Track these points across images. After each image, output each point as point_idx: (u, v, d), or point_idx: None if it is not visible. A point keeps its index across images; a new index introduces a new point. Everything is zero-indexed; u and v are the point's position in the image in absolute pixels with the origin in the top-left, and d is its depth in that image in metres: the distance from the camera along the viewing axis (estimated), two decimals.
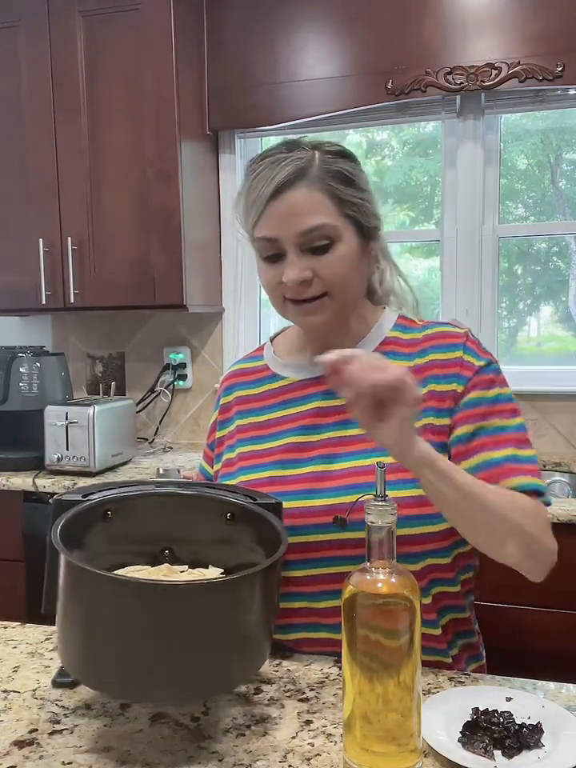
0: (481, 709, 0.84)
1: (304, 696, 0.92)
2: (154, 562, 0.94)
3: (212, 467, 1.20)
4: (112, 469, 2.24)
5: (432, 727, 0.80)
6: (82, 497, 0.90)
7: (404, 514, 0.92)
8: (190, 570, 0.92)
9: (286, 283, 1.02)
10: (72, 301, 2.36)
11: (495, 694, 0.89)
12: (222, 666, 0.78)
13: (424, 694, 0.89)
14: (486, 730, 0.80)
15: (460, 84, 2.20)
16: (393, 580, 0.74)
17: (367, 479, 0.91)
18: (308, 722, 0.86)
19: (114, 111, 2.31)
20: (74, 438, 2.15)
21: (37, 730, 0.85)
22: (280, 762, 0.78)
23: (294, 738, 0.83)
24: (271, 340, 1.23)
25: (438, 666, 1.02)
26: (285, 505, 1.02)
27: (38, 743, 0.82)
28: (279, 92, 2.38)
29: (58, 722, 0.87)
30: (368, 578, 0.75)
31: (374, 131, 2.60)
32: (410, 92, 2.24)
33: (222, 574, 0.91)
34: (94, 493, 0.92)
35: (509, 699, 0.88)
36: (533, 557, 0.98)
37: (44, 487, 2.09)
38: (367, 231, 1.06)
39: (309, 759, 0.79)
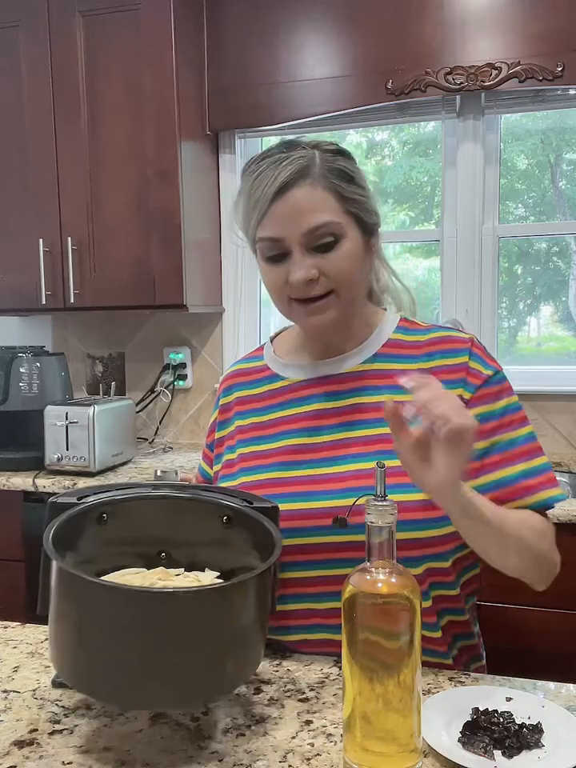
0: (481, 709, 0.84)
1: (304, 696, 0.92)
2: (151, 564, 0.93)
3: (211, 468, 1.20)
4: (112, 469, 2.24)
5: (432, 727, 0.80)
6: (78, 499, 0.89)
7: (409, 518, 0.92)
8: (185, 573, 0.91)
9: (292, 283, 1.02)
10: (72, 301, 2.36)
11: (495, 694, 0.89)
12: (214, 673, 0.77)
13: (424, 694, 0.89)
14: (486, 730, 0.80)
15: (460, 84, 2.20)
16: (393, 580, 0.74)
17: (369, 482, 0.91)
18: (308, 722, 0.86)
19: (114, 111, 2.31)
20: (74, 438, 2.15)
21: (37, 729, 0.85)
22: (280, 762, 0.78)
23: (293, 738, 0.83)
24: (271, 340, 1.22)
25: (438, 667, 1.02)
26: (286, 506, 1.01)
27: (38, 743, 0.82)
28: (279, 92, 2.38)
29: (58, 722, 0.87)
30: (368, 578, 0.75)
31: (374, 131, 2.60)
32: (409, 92, 2.24)
33: (217, 577, 0.90)
34: (89, 495, 0.91)
35: (509, 699, 0.88)
36: (537, 570, 1.01)
37: (44, 487, 2.09)
38: (369, 227, 1.06)
39: (309, 759, 0.79)
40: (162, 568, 0.91)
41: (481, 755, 0.77)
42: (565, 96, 2.25)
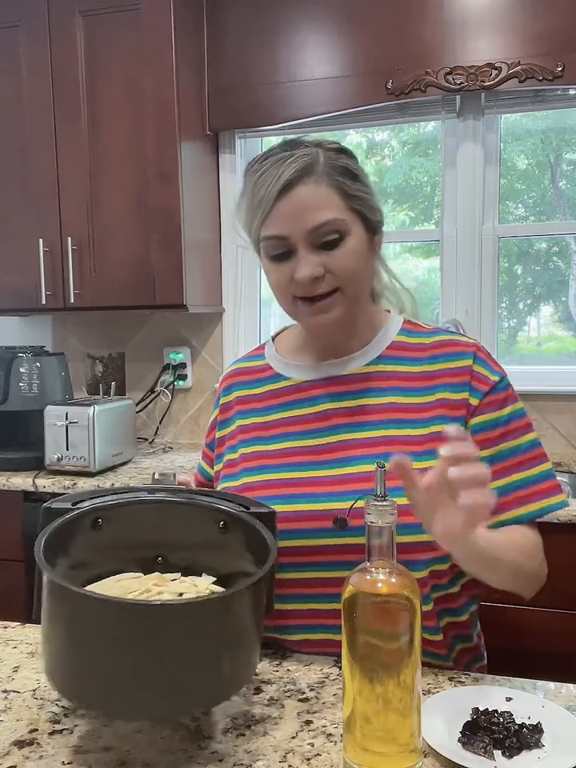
0: (481, 709, 0.84)
1: (304, 696, 0.92)
2: (147, 568, 0.92)
3: (212, 467, 1.20)
4: (112, 469, 2.24)
5: (432, 727, 0.80)
6: (72, 505, 0.88)
7: (412, 522, 0.92)
8: (181, 578, 0.91)
9: (297, 281, 1.01)
10: (72, 301, 2.36)
11: (495, 694, 0.89)
12: (208, 683, 0.76)
13: (424, 694, 0.89)
14: (486, 730, 0.80)
15: (460, 84, 2.20)
16: (393, 580, 0.74)
17: (373, 485, 0.91)
18: (308, 722, 0.86)
19: (114, 111, 2.31)
20: (74, 438, 2.14)
21: (37, 730, 0.85)
22: (280, 762, 0.78)
23: (293, 737, 0.83)
24: (273, 339, 1.22)
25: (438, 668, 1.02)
26: (288, 508, 1.01)
27: (38, 743, 0.82)
28: (279, 92, 2.38)
29: (58, 722, 0.87)
30: (368, 578, 0.75)
31: (374, 131, 2.60)
32: (409, 92, 2.24)
33: (214, 582, 0.89)
34: (84, 500, 0.90)
35: (509, 699, 0.88)
36: (526, 586, 1.03)
37: (44, 487, 2.09)
38: (373, 225, 1.06)
39: (309, 759, 0.79)
40: (157, 573, 0.90)
41: (481, 755, 0.77)
42: (565, 96, 2.25)
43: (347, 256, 1.02)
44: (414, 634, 0.74)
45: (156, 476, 0.97)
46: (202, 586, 0.88)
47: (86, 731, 0.84)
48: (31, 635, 1.11)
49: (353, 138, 2.60)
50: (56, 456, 2.15)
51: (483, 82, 2.18)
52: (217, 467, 1.17)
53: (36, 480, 2.11)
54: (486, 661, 1.16)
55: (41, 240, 2.37)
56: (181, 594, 0.86)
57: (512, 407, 1.06)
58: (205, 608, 0.74)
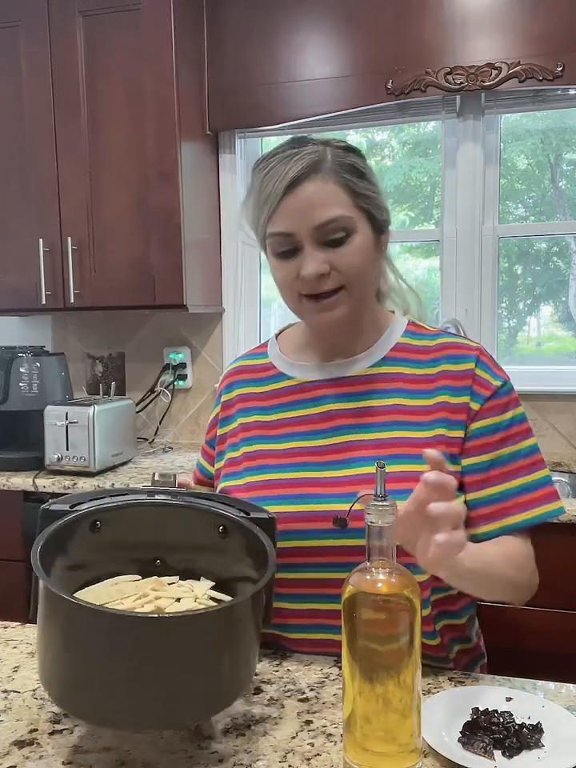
0: (481, 709, 0.84)
1: (304, 696, 0.92)
2: (145, 570, 0.91)
3: (212, 465, 1.19)
4: (112, 469, 2.24)
5: (432, 727, 0.80)
6: (71, 507, 0.88)
7: None
8: (180, 582, 0.90)
9: (303, 278, 1.01)
10: (72, 301, 2.36)
11: (495, 694, 0.89)
12: (205, 693, 0.75)
13: (424, 694, 0.89)
14: (486, 730, 0.80)
15: (460, 84, 2.20)
16: (393, 580, 0.74)
17: None
18: (308, 722, 0.86)
19: (114, 111, 2.31)
20: (74, 438, 2.14)
21: (37, 730, 0.85)
22: (280, 762, 0.78)
23: (293, 738, 0.83)
24: (276, 337, 1.21)
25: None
26: (291, 508, 1.01)
27: (38, 743, 0.82)
28: (279, 92, 2.38)
29: (58, 722, 0.87)
30: (368, 578, 0.75)
31: (374, 131, 2.60)
32: (409, 92, 2.24)
33: (212, 587, 0.89)
34: (83, 502, 0.89)
35: (509, 699, 0.88)
36: (516, 596, 1.03)
37: (44, 487, 2.09)
38: (379, 224, 1.06)
39: (309, 759, 0.79)
40: (155, 577, 0.90)
41: (481, 755, 0.77)
42: (565, 96, 2.25)
43: (353, 254, 1.01)
44: (413, 634, 0.74)
45: (156, 477, 0.97)
46: (200, 591, 0.88)
47: (86, 731, 0.84)
48: (31, 635, 1.11)
49: (353, 138, 2.60)
50: (56, 456, 2.15)
51: (483, 82, 2.18)
52: (218, 465, 1.17)
53: (36, 480, 2.11)
54: (486, 660, 1.16)
55: (41, 240, 2.37)
56: (178, 600, 0.86)
57: (513, 412, 1.06)
58: (202, 621, 0.73)
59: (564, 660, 1.59)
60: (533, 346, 2.55)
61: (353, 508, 0.83)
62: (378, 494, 0.75)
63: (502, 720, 0.82)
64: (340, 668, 0.91)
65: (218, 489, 1.13)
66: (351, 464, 1.04)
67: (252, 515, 0.91)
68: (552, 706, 0.86)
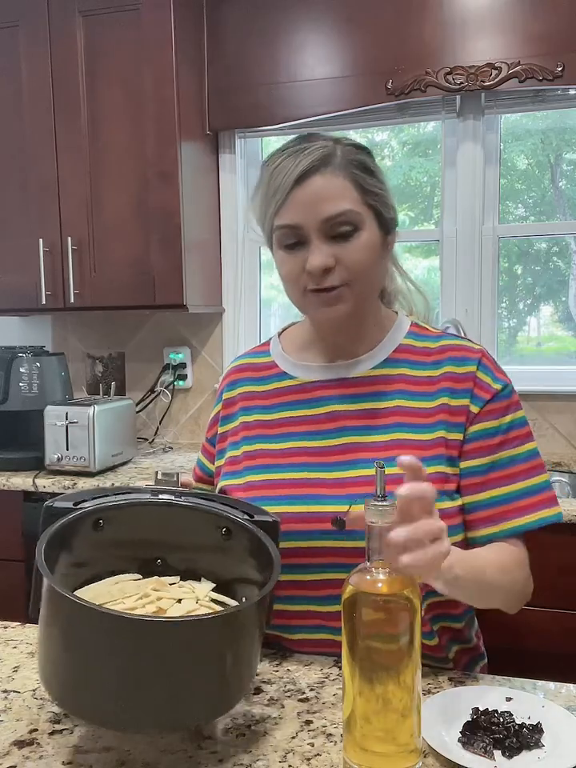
0: (481, 709, 0.84)
1: (304, 696, 0.92)
2: (147, 568, 0.91)
3: (212, 463, 1.19)
4: (112, 469, 2.24)
5: (432, 727, 0.80)
6: (74, 504, 0.87)
7: None
8: (181, 582, 0.90)
9: (308, 271, 1.00)
10: (72, 301, 2.36)
11: (495, 694, 0.89)
12: (206, 696, 0.75)
13: (424, 694, 0.89)
14: (486, 730, 0.80)
15: (460, 84, 2.20)
16: (393, 580, 0.74)
17: None
18: (308, 722, 0.86)
19: (114, 111, 2.31)
20: (74, 438, 2.15)
21: (37, 729, 0.85)
22: (280, 761, 0.78)
23: (293, 738, 0.83)
24: (279, 335, 1.21)
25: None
26: (291, 509, 1.01)
27: (38, 743, 0.82)
28: (279, 92, 2.38)
29: (58, 722, 0.87)
30: (368, 578, 0.75)
31: (374, 131, 2.60)
32: (409, 92, 2.24)
33: (213, 589, 0.89)
34: (86, 500, 0.89)
35: (509, 699, 0.88)
36: (510, 603, 1.04)
37: (44, 487, 2.09)
38: (387, 223, 1.05)
39: (309, 759, 0.79)
40: (156, 578, 0.90)
41: (481, 755, 0.77)
42: (565, 96, 2.25)
43: (360, 249, 1.01)
44: (413, 634, 0.74)
45: (159, 475, 0.96)
46: (202, 592, 0.88)
47: (86, 731, 0.84)
48: (31, 635, 1.11)
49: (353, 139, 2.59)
50: (56, 456, 2.15)
51: (483, 82, 2.18)
52: (218, 463, 1.16)
53: (36, 480, 2.11)
54: (486, 660, 1.16)
55: (41, 240, 2.37)
56: (179, 600, 0.86)
57: (512, 416, 1.06)
58: (203, 626, 0.73)
59: (564, 660, 1.59)
60: (533, 346, 2.55)
61: (350, 510, 0.82)
62: (378, 493, 0.75)
63: (502, 720, 0.82)
64: (340, 668, 0.91)
65: (218, 487, 1.13)
66: (354, 465, 1.03)
67: (256, 518, 0.91)
68: (552, 706, 0.86)
